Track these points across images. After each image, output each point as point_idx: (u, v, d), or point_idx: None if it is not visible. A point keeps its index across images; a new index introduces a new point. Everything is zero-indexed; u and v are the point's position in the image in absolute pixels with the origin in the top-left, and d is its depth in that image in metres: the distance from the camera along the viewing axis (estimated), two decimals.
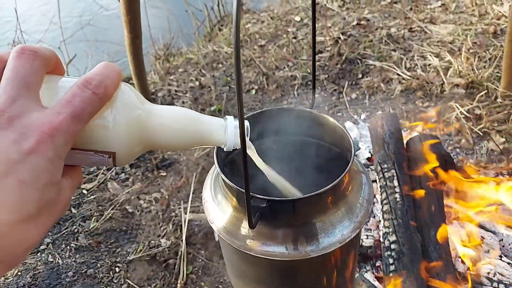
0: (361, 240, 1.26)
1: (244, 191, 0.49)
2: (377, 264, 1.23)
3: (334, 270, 0.70)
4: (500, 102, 1.82)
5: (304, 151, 0.75)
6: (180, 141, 0.44)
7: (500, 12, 2.47)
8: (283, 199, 0.56)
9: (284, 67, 2.37)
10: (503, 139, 1.69)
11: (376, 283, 1.16)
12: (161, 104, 2.14)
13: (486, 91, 1.89)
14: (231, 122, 0.46)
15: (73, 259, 1.39)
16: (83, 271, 1.35)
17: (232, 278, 0.80)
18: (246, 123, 0.49)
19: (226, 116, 0.47)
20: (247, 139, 0.49)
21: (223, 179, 0.59)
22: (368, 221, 1.36)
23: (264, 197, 0.55)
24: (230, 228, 0.62)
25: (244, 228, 0.60)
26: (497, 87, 1.87)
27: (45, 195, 0.31)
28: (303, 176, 0.78)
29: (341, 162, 0.69)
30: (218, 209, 0.64)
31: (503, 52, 1.77)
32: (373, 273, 1.21)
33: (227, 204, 0.63)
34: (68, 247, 1.43)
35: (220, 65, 2.50)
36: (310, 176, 0.72)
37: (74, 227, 1.50)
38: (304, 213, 0.59)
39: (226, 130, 0.46)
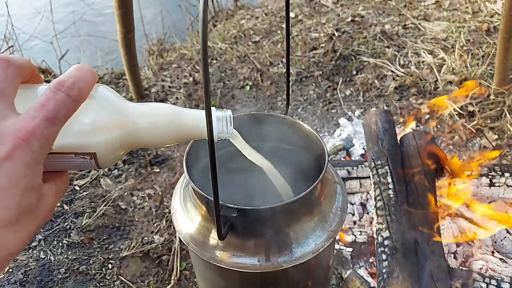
0: (354, 236, 1.27)
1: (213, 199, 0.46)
2: (371, 260, 1.23)
3: (308, 280, 0.68)
4: (493, 99, 1.83)
5: (279, 158, 0.72)
6: (163, 138, 0.43)
7: (493, 9, 2.48)
8: (254, 208, 0.53)
9: (279, 63, 2.36)
10: (496, 136, 1.70)
11: (369, 279, 1.16)
12: (154, 100, 2.13)
13: (479, 88, 1.90)
14: (213, 113, 0.45)
15: (65, 255, 1.37)
16: (75, 268, 1.34)
17: None
18: (229, 112, 0.48)
19: None
20: (232, 128, 0.48)
21: (192, 187, 0.57)
22: (362, 218, 1.36)
23: (235, 206, 0.52)
24: (199, 239, 0.59)
25: (214, 239, 0.58)
26: (490, 84, 1.88)
27: (24, 200, 0.31)
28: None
29: (317, 170, 0.67)
30: (187, 218, 0.62)
31: (496, 50, 1.78)
32: (367, 269, 1.21)
33: (196, 213, 0.61)
34: (60, 244, 1.41)
35: (214, 61, 2.49)
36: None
37: (66, 223, 1.49)
38: (276, 222, 0.57)
39: None
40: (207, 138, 0.45)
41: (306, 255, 0.57)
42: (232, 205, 0.52)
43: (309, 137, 0.67)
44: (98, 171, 1.71)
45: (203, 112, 0.45)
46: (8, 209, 0.30)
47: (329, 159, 0.61)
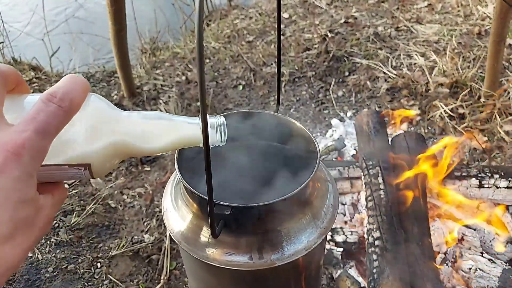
0: (345, 236, 1.27)
1: (207, 198, 0.46)
2: (361, 260, 1.24)
3: (301, 277, 0.68)
4: (483, 101, 1.85)
5: (270, 156, 0.72)
6: (156, 146, 0.43)
7: (484, 13, 2.51)
8: (248, 205, 0.53)
9: (272, 64, 2.36)
10: (486, 138, 1.71)
11: (360, 279, 1.17)
12: (146, 98, 2.11)
13: (469, 90, 1.92)
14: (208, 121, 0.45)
15: (53, 254, 1.36)
16: (63, 267, 1.32)
17: None
18: (222, 119, 0.47)
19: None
20: (225, 137, 0.48)
21: (184, 185, 0.56)
22: (353, 218, 1.36)
23: (228, 203, 0.52)
24: (191, 237, 0.59)
25: (206, 237, 0.58)
26: (481, 87, 1.89)
27: (18, 214, 0.31)
28: (269, 182, 0.75)
29: (309, 168, 0.66)
30: (179, 217, 0.61)
31: (487, 53, 1.80)
32: (357, 269, 1.21)
33: (187, 211, 0.60)
34: (48, 242, 1.40)
35: (207, 60, 2.48)
36: (276, 182, 0.69)
37: (55, 222, 1.47)
38: (269, 220, 0.56)
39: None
40: (201, 145, 0.45)
41: (299, 252, 0.57)
42: (225, 203, 0.52)
43: (301, 134, 0.67)
44: None
45: (197, 119, 0.45)
46: (2, 224, 0.30)
47: (320, 157, 0.61)
